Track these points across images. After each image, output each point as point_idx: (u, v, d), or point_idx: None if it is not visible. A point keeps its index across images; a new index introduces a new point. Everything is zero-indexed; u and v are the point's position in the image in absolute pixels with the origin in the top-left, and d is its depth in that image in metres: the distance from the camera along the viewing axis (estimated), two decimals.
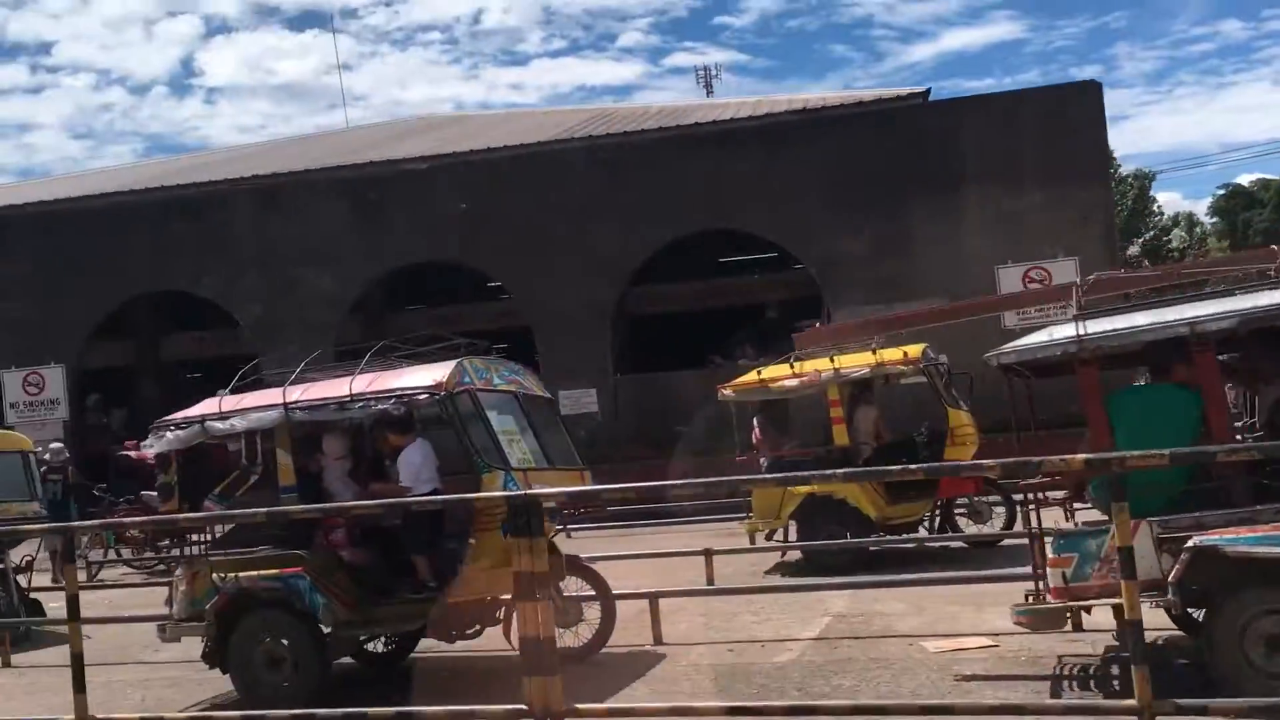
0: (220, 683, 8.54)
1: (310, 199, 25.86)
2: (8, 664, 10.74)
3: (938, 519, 13.66)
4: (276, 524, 8.22)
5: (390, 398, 8.25)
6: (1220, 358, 6.98)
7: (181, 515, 8.71)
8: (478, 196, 24.45)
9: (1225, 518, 6.37)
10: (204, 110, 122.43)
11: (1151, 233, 57.12)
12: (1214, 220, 62.05)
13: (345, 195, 25.56)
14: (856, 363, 13.13)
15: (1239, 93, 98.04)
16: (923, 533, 13.69)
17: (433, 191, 24.99)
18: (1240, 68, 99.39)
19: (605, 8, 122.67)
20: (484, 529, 7.85)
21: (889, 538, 12.93)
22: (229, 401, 8.83)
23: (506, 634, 8.68)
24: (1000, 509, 13.53)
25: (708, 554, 11.81)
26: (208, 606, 8.27)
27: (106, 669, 9.60)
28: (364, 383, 8.40)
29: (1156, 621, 7.06)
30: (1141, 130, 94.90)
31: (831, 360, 13.14)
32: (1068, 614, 6.89)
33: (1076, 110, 22.49)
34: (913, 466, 9.39)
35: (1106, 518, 6.93)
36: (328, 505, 8.25)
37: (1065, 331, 6.93)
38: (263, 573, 8.24)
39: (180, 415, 8.99)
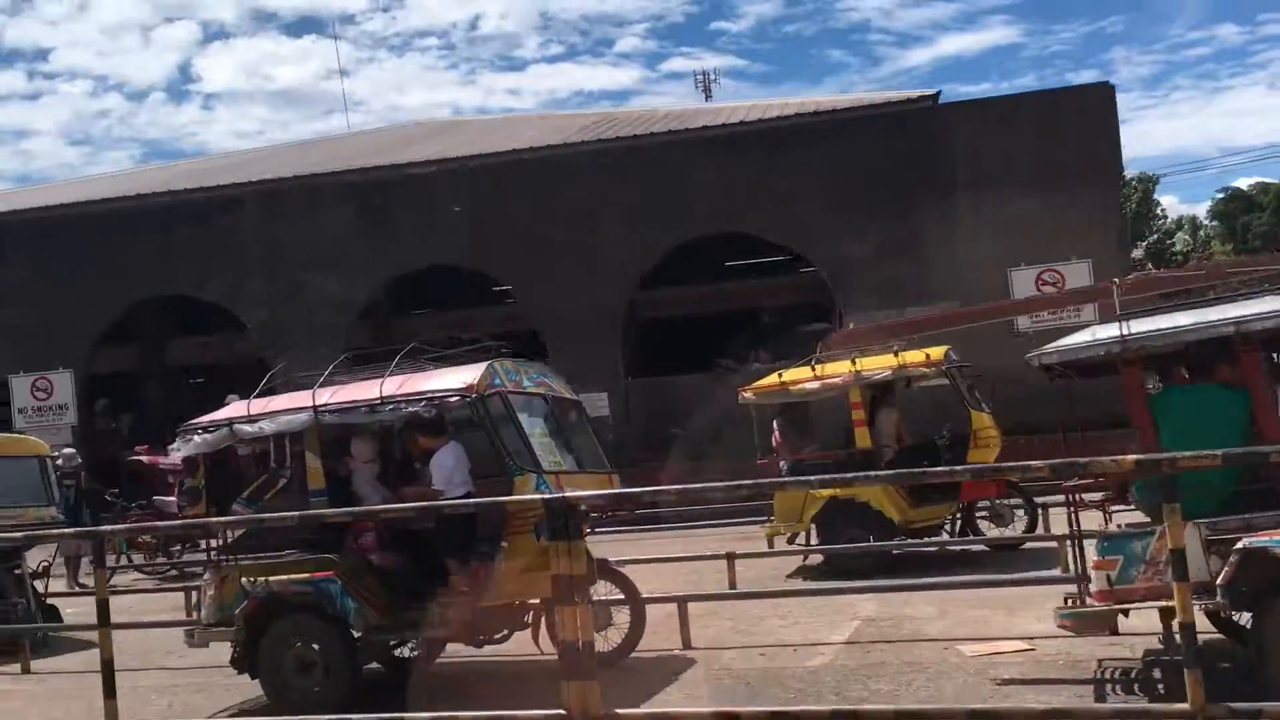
0: (248, 688, 8.47)
1: (316, 203, 25.81)
2: (27, 670, 10.62)
3: (959, 522, 13.59)
4: (306, 528, 8.16)
5: (421, 400, 8.17)
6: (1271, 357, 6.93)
7: (215, 520, 8.62)
8: (484, 201, 24.38)
9: (1275, 519, 6.28)
10: (201, 116, 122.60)
11: (1155, 236, 57.21)
12: (1214, 224, 62.12)
13: (351, 199, 25.51)
14: (878, 365, 13.04)
15: (1235, 97, 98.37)
16: (944, 536, 13.62)
17: (438, 196, 24.92)
18: (1236, 72, 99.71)
19: (602, 13, 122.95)
20: (516, 532, 7.81)
21: (910, 541, 12.86)
22: (257, 404, 8.75)
23: (535, 638, 8.61)
24: (1021, 511, 13.46)
25: (730, 558, 11.79)
26: (237, 611, 8.20)
27: (130, 675, 9.42)
28: (394, 385, 8.31)
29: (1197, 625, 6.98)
30: (1139, 134, 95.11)
31: (853, 363, 13.07)
32: (1116, 617, 6.82)
33: (1087, 112, 22.46)
34: (958, 469, 9.32)
35: (1149, 520, 6.88)
36: (361, 509, 8.16)
37: (1109, 331, 6.87)
38: (293, 577, 8.18)
39: (207, 418, 8.92)
